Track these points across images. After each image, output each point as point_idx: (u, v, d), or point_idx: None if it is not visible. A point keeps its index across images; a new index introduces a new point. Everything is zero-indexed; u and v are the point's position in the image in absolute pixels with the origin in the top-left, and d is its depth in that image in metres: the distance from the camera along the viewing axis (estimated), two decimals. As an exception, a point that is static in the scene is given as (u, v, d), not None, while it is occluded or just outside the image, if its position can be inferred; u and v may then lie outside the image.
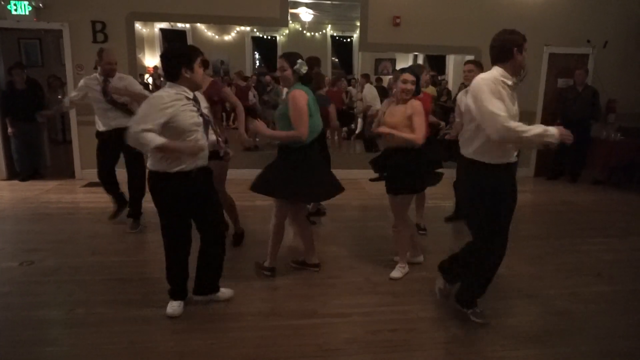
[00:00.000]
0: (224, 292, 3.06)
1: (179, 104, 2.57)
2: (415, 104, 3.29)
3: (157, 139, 2.48)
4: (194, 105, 2.64)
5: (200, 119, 2.67)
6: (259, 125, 3.15)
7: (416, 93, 3.34)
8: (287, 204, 3.31)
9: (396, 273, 3.48)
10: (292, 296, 3.17)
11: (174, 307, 2.86)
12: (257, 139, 3.01)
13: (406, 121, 3.26)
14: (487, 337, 2.73)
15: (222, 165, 3.57)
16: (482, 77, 2.56)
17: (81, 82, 4.28)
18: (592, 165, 6.85)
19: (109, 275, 3.42)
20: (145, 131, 2.46)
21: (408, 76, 3.29)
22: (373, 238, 4.38)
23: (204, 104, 2.81)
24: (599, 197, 6.12)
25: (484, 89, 2.47)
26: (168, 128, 2.54)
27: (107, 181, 4.40)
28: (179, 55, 2.62)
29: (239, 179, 4.72)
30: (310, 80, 3.26)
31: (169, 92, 2.58)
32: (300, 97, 3.08)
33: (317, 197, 3.80)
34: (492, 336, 2.75)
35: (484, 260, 2.72)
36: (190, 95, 2.64)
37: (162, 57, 2.71)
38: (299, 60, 3.12)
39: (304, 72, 3.14)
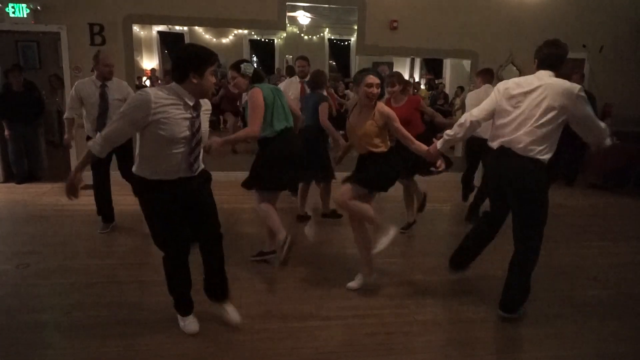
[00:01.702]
0: (231, 312, 2.84)
1: (173, 108, 2.34)
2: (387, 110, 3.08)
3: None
4: (190, 114, 2.40)
5: (188, 132, 2.40)
6: (214, 141, 2.90)
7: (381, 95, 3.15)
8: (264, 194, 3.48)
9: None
10: (287, 299, 3.17)
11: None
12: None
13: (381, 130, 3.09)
14: (482, 340, 2.74)
15: None
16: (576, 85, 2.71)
17: (72, 92, 4.14)
18: (588, 169, 6.89)
19: (105, 277, 3.41)
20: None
21: (373, 79, 3.00)
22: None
23: (206, 106, 2.65)
24: (594, 200, 6.14)
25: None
26: (151, 134, 2.32)
27: (106, 188, 4.33)
28: (189, 57, 2.37)
29: (234, 180, 4.70)
30: (260, 78, 3.41)
31: (161, 93, 2.32)
32: (256, 94, 3.25)
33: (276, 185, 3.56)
34: (488, 339, 2.76)
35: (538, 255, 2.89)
36: (192, 102, 2.40)
37: (172, 55, 2.61)
38: (243, 64, 3.33)
39: (250, 72, 3.32)
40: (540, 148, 2.70)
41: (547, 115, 2.67)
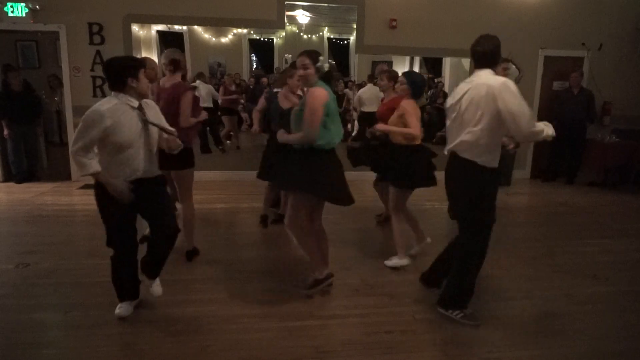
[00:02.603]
0: (155, 286, 2.96)
1: (120, 116, 2.55)
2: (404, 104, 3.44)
3: (92, 167, 2.54)
4: (138, 115, 2.63)
5: (140, 132, 2.64)
6: (280, 135, 3.04)
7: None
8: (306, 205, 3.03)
9: (389, 262, 3.71)
10: (287, 298, 3.17)
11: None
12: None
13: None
14: (483, 339, 2.74)
15: (188, 174, 3.57)
16: (499, 79, 2.59)
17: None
18: (587, 166, 6.89)
19: (105, 277, 3.38)
20: (80, 152, 2.51)
21: None
22: (369, 240, 4.39)
23: (152, 111, 2.77)
24: (594, 198, 6.14)
25: (513, 90, 2.54)
26: (105, 143, 2.56)
27: None
28: (125, 66, 2.61)
29: (233, 180, 4.71)
30: (329, 79, 3.04)
31: (110, 104, 2.56)
32: (321, 95, 2.85)
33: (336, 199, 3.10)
34: (488, 337, 2.76)
35: (472, 256, 2.83)
36: (135, 104, 2.63)
37: (107, 67, 2.64)
38: (321, 58, 2.96)
39: (326, 70, 2.99)
40: (477, 151, 2.67)
41: (475, 119, 2.63)
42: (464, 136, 2.69)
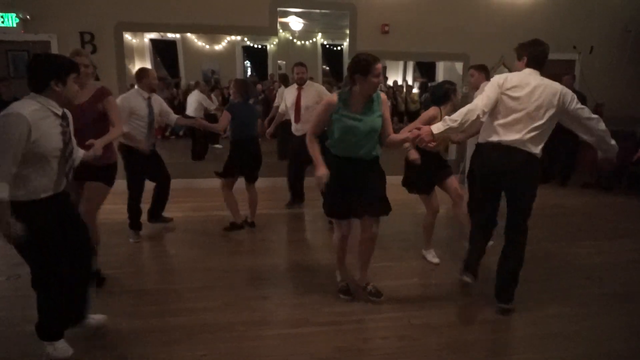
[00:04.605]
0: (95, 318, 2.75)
1: (45, 122, 2.26)
2: None
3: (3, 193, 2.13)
4: (61, 124, 2.35)
5: (62, 144, 2.35)
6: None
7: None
8: None
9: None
10: (282, 305, 3.16)
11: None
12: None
13: None
14: (478, 343, 2.74)
15: (101, 188, 3.29)
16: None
17: (123, 103, 3.96)
18: (581, 168, 6.93)
19: (97, 287, 3.38)
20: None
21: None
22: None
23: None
24: (588, 200, 6.17)
25: None
26: (27, 153, 2.19)
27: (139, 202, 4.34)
28: (48, 65, 2.30)
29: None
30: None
31: (32, 107, 2.22)
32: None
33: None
34: (484, 342, 2.75)
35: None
36: (59, 111, 2.35)
37: (30, 64, 2.32)
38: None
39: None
40: (538, 144, 2.88)
41: (546, 116, 2.84)
42: (533, 131, 2.84)
